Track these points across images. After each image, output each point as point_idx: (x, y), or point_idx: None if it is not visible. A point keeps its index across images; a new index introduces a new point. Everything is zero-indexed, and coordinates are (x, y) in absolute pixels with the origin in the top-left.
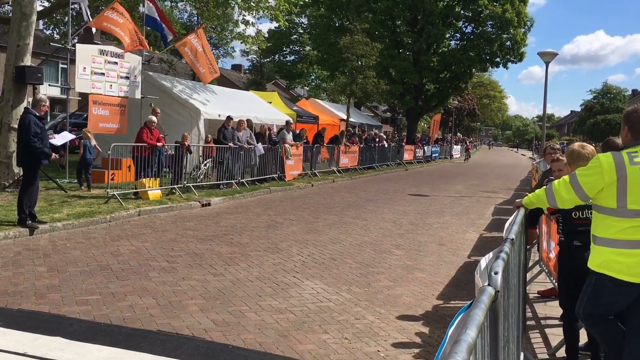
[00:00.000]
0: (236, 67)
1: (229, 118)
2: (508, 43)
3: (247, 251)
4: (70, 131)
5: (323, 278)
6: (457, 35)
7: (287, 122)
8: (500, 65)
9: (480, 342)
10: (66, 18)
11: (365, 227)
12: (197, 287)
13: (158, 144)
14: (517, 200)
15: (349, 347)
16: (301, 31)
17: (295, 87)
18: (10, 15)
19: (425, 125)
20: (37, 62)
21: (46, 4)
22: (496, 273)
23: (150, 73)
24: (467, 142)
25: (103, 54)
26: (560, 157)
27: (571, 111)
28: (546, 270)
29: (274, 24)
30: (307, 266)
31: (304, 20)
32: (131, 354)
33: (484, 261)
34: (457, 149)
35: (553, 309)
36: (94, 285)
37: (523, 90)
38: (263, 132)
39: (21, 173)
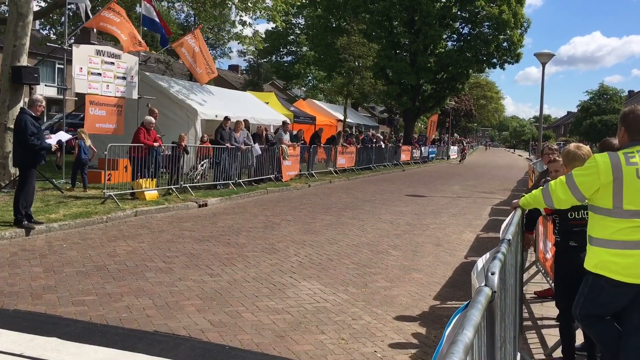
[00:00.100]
0: (233, 68)
1: (226, 119)
2: (505, 44)
3: (244, 252)
4: (67, 131)
5: (320, 279)
6: (454, 36)
7: (284, 123)
8: (497, 66)
9: (477, 342)
10: (63, 18)
11: (362, 228)
12: (193, 288)
13: (155, 144)
14: (514, 201)
15: (346, 347)
16: (298, 32)
17: (292, 87)
18: (7, 15)
19: (422, 126)
20: (34, 63)
21: (43, 4)
22: (493, 273)
23: (147, 73)
24: (464, 142)
25: (100, 54)
26: (557, 158)
27: (568, 112)
28: (543, 271)
29: (271, 25)
30: (304, 267)
31: (301, 20)
32: (127, 355)
33: (480, 262)
34: (454, 150)
35: (550, 309)
36: (90, 285)
37: (520, 91)
38: (260, 132)
39: (17, 173)
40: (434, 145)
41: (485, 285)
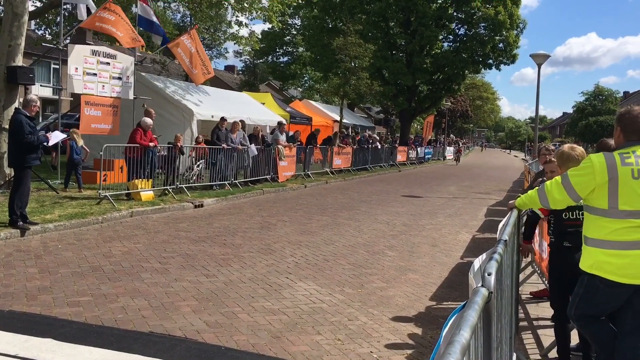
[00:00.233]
0: (229, 68)
1: (222, 119)
2: (500, 45)
3: (240, 252)
4: (62, 132)
5: (316, 279)
6: (450, 37)
7: (279, 123)
8: (493, 67)
9: (473, 342)
10: (58, 18)
11: (358, 229)
12: (189, 289)
13: (150, 144)
14: (510, 202)
15: (342, 348)
16: (294, 32)
17: (288, 88)
18: (2, 15)
19: (419, 127)
20: (29, 63)
21: (38, 4)
22: (489, 274)
23: (143, 74)
24: (460, 143)
25: (95, 55)
26: (554, 159)
27: (563, 113)
28: (538, 272)
29: (267, 25)
30: (300, 267)
31: (297, 21)
32: (123, 356)
33: (477, 262)
34: (450, 151)
35: (545, 309)
36: (85, 286)
37: (515, 91)
38: (256, 133)
39: (12, 174)
40: (430, 146)
41: (482, 285)
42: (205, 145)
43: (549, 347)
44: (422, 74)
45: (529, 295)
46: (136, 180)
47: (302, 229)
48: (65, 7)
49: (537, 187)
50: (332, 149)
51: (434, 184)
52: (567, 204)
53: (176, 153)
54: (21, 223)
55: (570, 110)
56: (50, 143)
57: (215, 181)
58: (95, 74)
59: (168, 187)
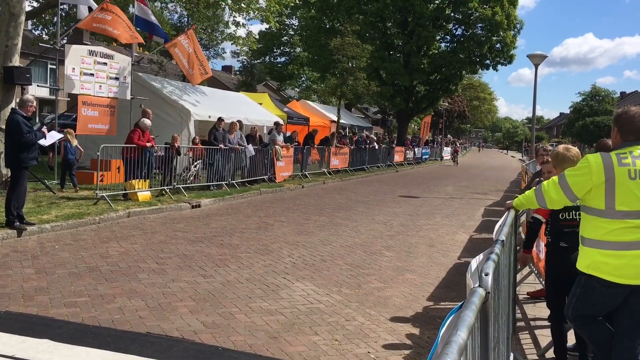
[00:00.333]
0: (226, 68)
1: (220, 119)
2: (498, 45)
3: (237, 253)
4: (59, 132)
5: (313, 279)
6: (447, 37)
7: (276, 123)
8: (490, 68)
9: (471, 343)
10: (55, 18)
11: (355, 229)
12: (186, 289)
13: (147, 144)
14: (507, 202)
15: (339, 348)
16: (292, 33)
17: (285, 88)
18: None
19: (416, 127)
20: (26, 63)
21: (35, 4)
22: (487, 274)
23: (140, 74)
24: (457, 143)
25: (92, 55)
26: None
27: (560, 113)
28: (536, 272)
29: (265, 26)
30: (298, 268)
31: (295, 21)
32: (120, 357)
33: (474, 262)
34: (447, 151)
35: (542, 310)
36: (82, 287)
37: (513, 92)
38: (253, 133)
39: (9, 174)
40: (427, 147)
41: (479, 286)
42: (200, 145)
43: (546, 347)
44: (420, 75)
45: (526, 296)
46: (133, 181)
47: (299, 230)
48: (62, 7)
49: (534, 188)
50: (329, 150)
51: (432, 184)
52: (564, 204)
53: (173, 153)
54: (18, 223)
55: (567, 111)
56: (47, 143)
57: (212, 181)
58: (92, 74)
59: (165, 188)
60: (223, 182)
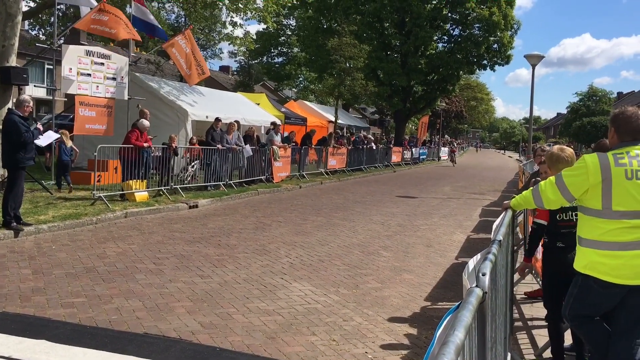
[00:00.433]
0: (224, 69)
1: (217, 120)
2: (495, 46)
3: (235, 253)
4: (56, 132)
5: (311, 280)
6: (445, 37)
7: (273, 124)
8: (488, 68)
9: (468, 343)
10: (52, 18)
11: (353, 229)
12: (184, 290)
13: (144, 144)
14: (505, 202)
15: (337, 349)
16: (289, 33)
17: (283, 88)
18: None
19: (413, 127)
20: (23, 63)
21: (32, 4)
22: (484, 274)
23: (137, 74)
24: (454, 144)
25: (89, 55)
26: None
27: (557, 113)
28: (533, 272)
29: (262, 26)
30: (295, 268)
31: (292, 22)
32: (117, 357)
33: (472, 262)
34: (444, 151)
35: (540, 310)
36: (79, 287)
37: (510, 92)
38: (251, 133)
39: (6, 175)
40: (424, 147)
41: (476, 286)
42: (198, 146)
43: (544, 347)
44: (417, 75)
45: (524, 296)
46: (130, 181)
47: (296, 230)
48: (59, 7)
49: (531, 188)
50: (327, 150)
51: (429, 184)
52: (560, 204)
53: (170, 154)
54: (15, 224)
55: (565, 111)
56: (43, 143)
57: (209, 182)
58: (89, 75)
59: (162, 188)
60: (220, 183)
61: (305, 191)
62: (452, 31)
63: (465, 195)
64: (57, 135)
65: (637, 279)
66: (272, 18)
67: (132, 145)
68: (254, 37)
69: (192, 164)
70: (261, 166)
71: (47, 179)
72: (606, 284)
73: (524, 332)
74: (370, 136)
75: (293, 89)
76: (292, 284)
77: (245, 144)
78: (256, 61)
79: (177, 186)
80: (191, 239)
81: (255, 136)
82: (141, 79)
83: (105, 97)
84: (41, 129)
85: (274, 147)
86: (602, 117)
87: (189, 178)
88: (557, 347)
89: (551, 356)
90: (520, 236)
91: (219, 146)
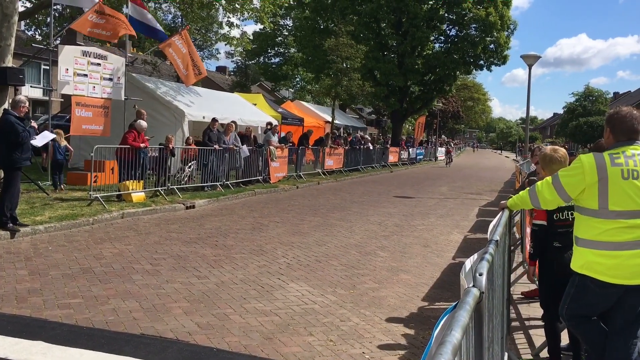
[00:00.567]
0: (221, 69)
1: (214, 120)
2: (492, 46)
3: (232, 253)
4: (51, 132)
5: (308, 280)
6: (442, 38)
7: (270, 124)
8: (484, 68)
9: (465, 343)
10: (48, 19)
11: (350, 229)
12: (181, 290)
13: (141, 145)
14: (501, 202)
15: (334, 349)
16: (286, 33)
17: (280, 89)
18: None
19: (410, 128)
20: (19, 64)
21: (28, 5)
22: (481, 274)
23: (134, 74)
24: (451, 144)
25: (86, 55)
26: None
27: (554, 113)
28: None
29: (259, 26)
30: (292, 268)
31: (289, 22)
32: (114, 358)
33: (468, 262)
34: (441, 151)
35: (537, 309)
36: (76, 288)
37: (507, 92)
38: (248, 134)
39: (2, 175)
40: (421, 147)
41: (473, 286)
42: (195, 147)
43: (541, 347)
44: (414, 75)
45: (521, 295)
46: (127, 182)
47: (294, 230)
48: (55, 7)
49: (528, 188)
50: (324, 150)
51: (426, 184)
52: (557, 204)
53: (167, 154)
54: (11, 225)
55: (561, 111)
56: (39, 144)
57: (206, 182)
58: (85, 75)
59: (159, 189)
60: (217, 183)
61: (302, 191)
62: (448, 31)
63: (462, 195)
64: (53, 135)
65: (633, 279)
66: (269, 18)
67: (128, 146)
68: (251, 37)
69: (189, 164)
70: (258, 166)
71: (44, 179)
72: (603, 283)
73: (521, 331)
74: (367, 136)
75: (290, 90)
76: (289, 284)
77: (242, 145)
78: (253, 61)
79: (174, 187)
80: (188, 239)
81: (252, 136)
82: (138, 80)
83: (102, 98)
84: (36, 127)
85: (271, 147)
86: (598, 117)
87: (185, 179)
88: (553, 346)
89: (548, 356)
90: (517, 236)
91: (216, 146)
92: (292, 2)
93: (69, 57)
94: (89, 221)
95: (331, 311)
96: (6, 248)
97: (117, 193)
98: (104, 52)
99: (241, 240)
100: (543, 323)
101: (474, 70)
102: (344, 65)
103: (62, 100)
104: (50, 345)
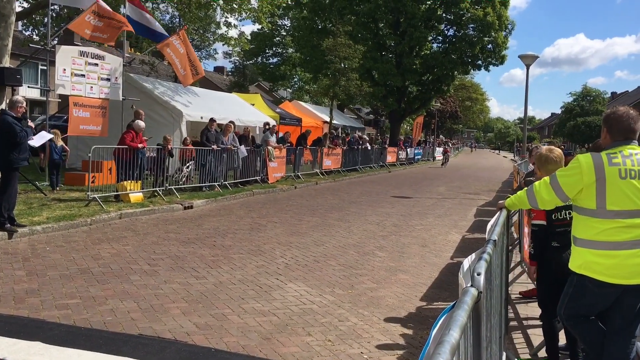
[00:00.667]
0: (219, 69)
1: (212, 120)
2: (489, 46)
3: (230, 254)
4: (49, 132)
5: (306, 280)
6: (440, 38)
7: (268, 124)
8: (482, 68)
9: (463, 342)
10: (46, 19)
11: (348, 229)
12: (179, 290)
13: (139, 145)
14: (499, 202)
15: (333, 349)
16: (284, 33)
17: (278, 89)
18: None
19: (408, 128)
20: (16, 64)
21: (25, 5)
22: (479, 274)
23: (132, 75)
24: (449, 144)
25: (83, 56)
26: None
27: (552, 113)
28: (528, 271)
29: (257, 26)
30: (290, 268)
31: (287, 22)
32: (112, 359)
33: (466, 262)
34: (439, 151)
35: (535, 309)
36: (74, 289)
37: (504, 92)
38: (246, 134)
39: None
40: (419, 147)
41: (472, 285)
42: (191, 146)
43: (539, 347)
44: (412, 75)
45: (519, 295)
46: (125, 182)
47: (292, 230)
48: (52, 7)
49: (526, 188)
50: (322, 150)
51: (424, 184)
52: (555, 204)
53: (165, 155)
54: (8, 225)
55: (559, 111)
56: (37, 144)
57: (204, 182)
58: (83, 75)
59: (157, 189)
60: (215, 183)
61: (301, 192)
62: (446, 31)
63: (460, 195)
64: (51, 136)
65: (632, 279)
66: (267, 18)
67: (126, 146)
68: (249, 37)
69: (187, 164)
70: (256, 167)
71: (41, 180)
72: (601, 283)
73: (519, 331)
74: (365, 136)
75: (288, 90)
76: (288, 284)
77: (240, 145)
78: (251, 62)
79: (172, 187)
80: (186, 239)
81: (250, 137)
82: (135, 80)
83: (100, 98)
84: (32, 126)
85: (269, 147)
86: (596, 117)
87: (183, 179)
88: (552, 346)
89: (546, 355)
90: (515, 236)
91: (214, 147)
92: (290, 2)
93: (67, 58)
94: (87, 222)
95: (329, 311)
96: (4, 249)
97: (115, 193)
98: (101, 53)
99: (239, 241)
100: (541, 323)
101: (471, 70)
102: (342, 65)
103: (60, 100)
104: (48, 346)
